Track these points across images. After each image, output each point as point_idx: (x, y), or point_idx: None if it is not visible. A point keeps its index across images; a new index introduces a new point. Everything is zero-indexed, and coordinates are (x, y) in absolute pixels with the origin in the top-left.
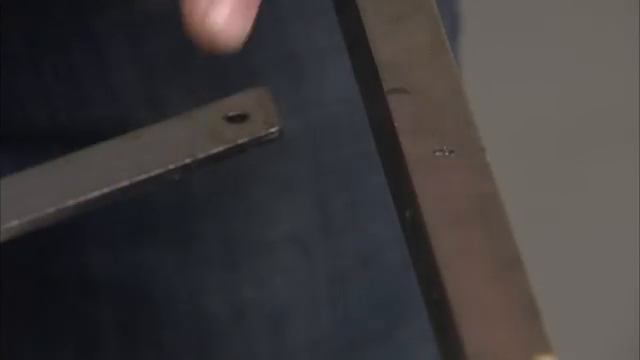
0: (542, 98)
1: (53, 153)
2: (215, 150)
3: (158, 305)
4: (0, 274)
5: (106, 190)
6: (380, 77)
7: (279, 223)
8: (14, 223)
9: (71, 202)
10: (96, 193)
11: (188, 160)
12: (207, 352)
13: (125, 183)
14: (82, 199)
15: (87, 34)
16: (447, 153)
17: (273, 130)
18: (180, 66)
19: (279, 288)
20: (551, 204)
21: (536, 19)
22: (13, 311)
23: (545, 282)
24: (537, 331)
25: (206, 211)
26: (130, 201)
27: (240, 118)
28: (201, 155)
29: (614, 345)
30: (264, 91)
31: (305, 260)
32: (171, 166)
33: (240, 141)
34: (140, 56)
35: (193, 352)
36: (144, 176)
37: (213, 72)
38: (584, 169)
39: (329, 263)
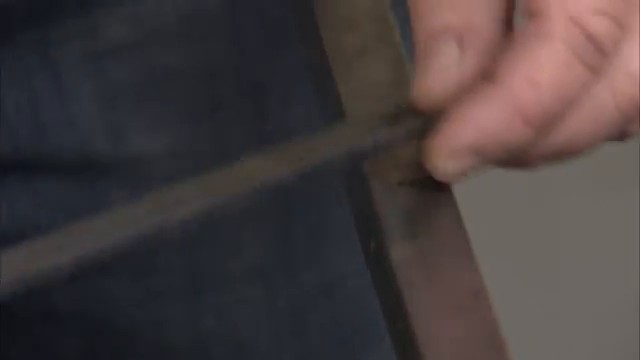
0: None
1: (17, 185)
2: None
3: (122, 335)
4: None
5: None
6: (344, 109)
7: (242, 255)
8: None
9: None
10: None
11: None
12: None
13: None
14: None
15: (49, 65)
16: (410, 185)
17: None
18: (142, 96)
19: (242, 320)
20: (515, 234)
21: None
22: None
23: (510, 313)
24: None
25: (169, 242)
26: None
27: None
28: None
29: None
30: None
31: (267, 292)
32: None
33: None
34: (102, 87)
35: None
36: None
37: (176, 102)
38: (548, 203)
39: (291, 295)
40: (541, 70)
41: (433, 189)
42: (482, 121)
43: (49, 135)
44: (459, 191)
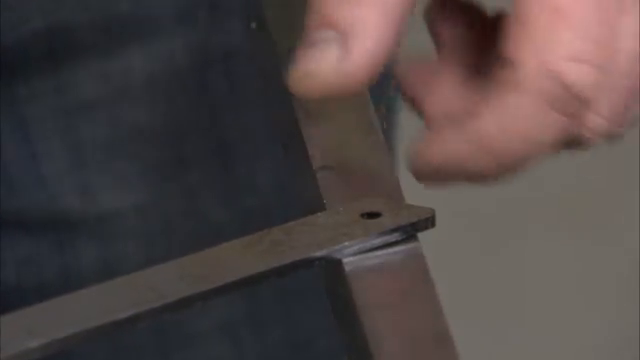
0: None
1: None
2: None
3: None
4: None
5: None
6: (309, 154)
7: (209, 312)
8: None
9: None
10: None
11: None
12: None
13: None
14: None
15: (18, 122)
16: None
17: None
18: (110, 154)
19: None
20: (481, 276)
21: None
22: None
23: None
24: None
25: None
26: (60, 288)
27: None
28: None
29: None
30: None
31: (235, 350)
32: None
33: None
34: (71, 144)
35: None
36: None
37: (144, 160)
38: (514, 247)
39: (260, 353)
40: (511, 119)
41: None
42: (451, 150)
43: (18, 191)
44: (425, 236)
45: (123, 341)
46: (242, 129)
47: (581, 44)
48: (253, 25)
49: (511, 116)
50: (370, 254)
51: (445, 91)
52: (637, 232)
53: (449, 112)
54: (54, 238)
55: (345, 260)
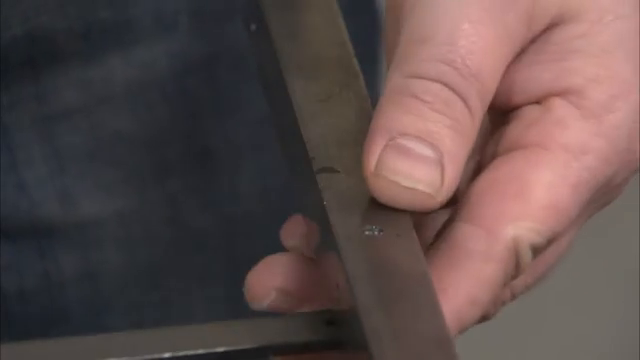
0: None
1: None
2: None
3: None
4: None
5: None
6: (309, 156)
7: (192, 318)
8: None
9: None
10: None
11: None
12: None
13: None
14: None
15: (0, 129)
16: (376, 232)
17: None
18: (91, 161)
19: None
20: None
21: None
22: None
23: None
24: None
25: (117, 304)
26: (41, 294)
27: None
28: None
29: None
30: None
31: None
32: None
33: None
34: (52, 151)
35: None
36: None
37: (125, 167)
38: None
39: None
40: (484, 292)
41: (397, 238)
42: None
43: None
44: None
45: None
46: (224, 135)
47: (552, 224)
48: (253, 27)
49: (483, 289)
50: None
51: None
52: (637, 232)
53: None
54: (35, 244)
55: None
